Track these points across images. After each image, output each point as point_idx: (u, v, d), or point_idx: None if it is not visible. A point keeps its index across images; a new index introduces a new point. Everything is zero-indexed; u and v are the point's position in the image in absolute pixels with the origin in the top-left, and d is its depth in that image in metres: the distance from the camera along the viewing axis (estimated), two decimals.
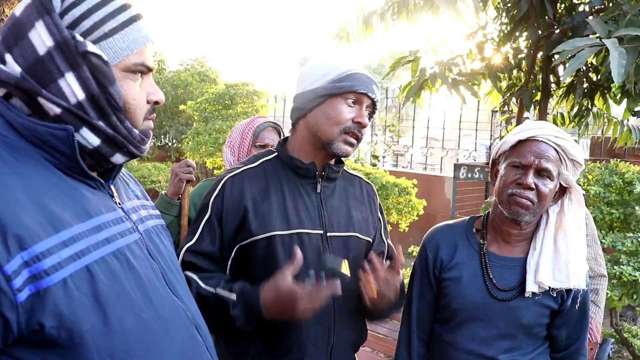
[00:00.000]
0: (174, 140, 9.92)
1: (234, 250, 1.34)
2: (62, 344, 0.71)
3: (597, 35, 2.18)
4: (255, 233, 1.31)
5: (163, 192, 2.04)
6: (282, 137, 1.49)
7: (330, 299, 1.34)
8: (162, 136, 10.06)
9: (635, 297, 3.09)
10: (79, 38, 0.79)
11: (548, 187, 1.35)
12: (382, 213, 1.59)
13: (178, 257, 1.27)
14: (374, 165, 6.70)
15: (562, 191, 1.42)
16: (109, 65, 0.82)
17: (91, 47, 0.80)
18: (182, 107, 8.25)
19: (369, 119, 1.38)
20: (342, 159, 1.44)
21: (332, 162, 1.42)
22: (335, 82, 1.32)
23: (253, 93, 7.74)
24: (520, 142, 1.38)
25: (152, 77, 0.92)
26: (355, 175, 1.56)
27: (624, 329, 3.59)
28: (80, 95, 0.80)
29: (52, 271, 0.70)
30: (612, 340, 2.06)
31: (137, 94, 0.87)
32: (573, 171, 1.39)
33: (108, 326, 0.75)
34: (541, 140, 1.35)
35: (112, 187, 0.92)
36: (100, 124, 0.83)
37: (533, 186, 1.34)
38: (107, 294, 0.76)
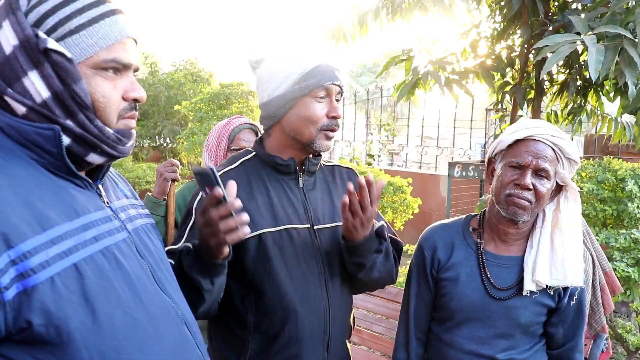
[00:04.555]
0: (169, 141, 9.89)
1: None
2: (50, 341, 0.72)
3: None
4: None
5: (149, 193, 2.05)
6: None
7: (322, 287, 1.34)
8: (157, 137, 10.02)
9: (628, 293, 3.11)
10: (42, 35, 0.78)
11: (545, 186, 1.34)
12: None
13: None
14: (369, 164, 6.72)
15: (558, 189, 1.41)
16: (73, 63, 0.80)
17: (52, 44, 0.78)
18: (176, 107, 8.24)
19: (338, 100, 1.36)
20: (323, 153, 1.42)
21: (311, 155, 1.41)
22: (300, 83, 1.30)
23: (248, 93, 7.73)
24: (517, 142, 1.37)
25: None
26: (334, 165, 1.55)
27: (618, 325, 3.61)
28: (45, 93, 0.79)
29: (39, 269, 0.71)
30: (606, 335, 2.07)
31: (108, 91, 0.84)
32: (569, 169, 1.39)
33: (97, 324, 0.75)
34: (538, 140, 1.34)
35: (100, 186, 0.92)
36: (68, 122, 0.81)
37: (531, 187, 1.33)
38: (95, 292, 0.76)
